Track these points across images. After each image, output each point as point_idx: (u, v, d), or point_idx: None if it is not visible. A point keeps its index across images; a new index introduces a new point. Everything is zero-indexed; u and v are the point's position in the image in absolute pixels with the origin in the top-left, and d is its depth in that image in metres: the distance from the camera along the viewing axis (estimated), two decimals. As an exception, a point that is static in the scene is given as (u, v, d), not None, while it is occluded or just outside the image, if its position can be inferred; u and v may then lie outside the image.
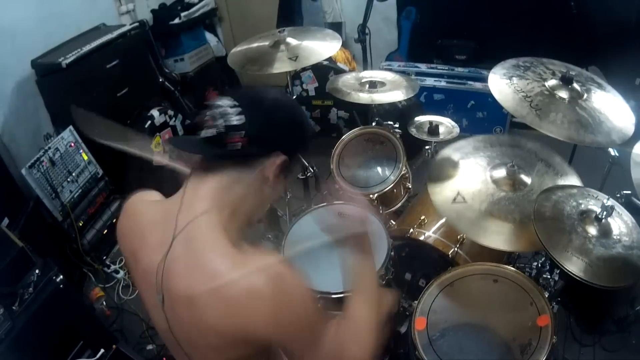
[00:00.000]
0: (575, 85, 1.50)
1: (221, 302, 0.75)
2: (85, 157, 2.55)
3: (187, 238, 0.80)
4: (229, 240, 0.80)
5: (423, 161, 2.15)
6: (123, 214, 0.95)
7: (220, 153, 0.83)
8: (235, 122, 0.81)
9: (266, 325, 0.76)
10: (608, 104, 1.50)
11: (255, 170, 0.85)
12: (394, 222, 1.93)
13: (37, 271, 1.65)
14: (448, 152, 1.71)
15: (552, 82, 1.52)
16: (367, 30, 2.63)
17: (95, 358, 1.75)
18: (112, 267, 2.56)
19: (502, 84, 1.52)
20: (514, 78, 1.54)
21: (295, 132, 0.90)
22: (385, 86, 2.13)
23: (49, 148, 2.34)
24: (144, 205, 0.94)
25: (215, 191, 0.83)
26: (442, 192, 1.55)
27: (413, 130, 2.13)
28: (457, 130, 2.10)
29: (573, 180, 1.56)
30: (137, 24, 3.01)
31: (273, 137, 0.85)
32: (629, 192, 1.54)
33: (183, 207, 0.83)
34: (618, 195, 1.55)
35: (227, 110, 0.82)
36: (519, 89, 1.49)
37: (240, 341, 0.78)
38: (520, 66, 1.60)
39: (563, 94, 1.48)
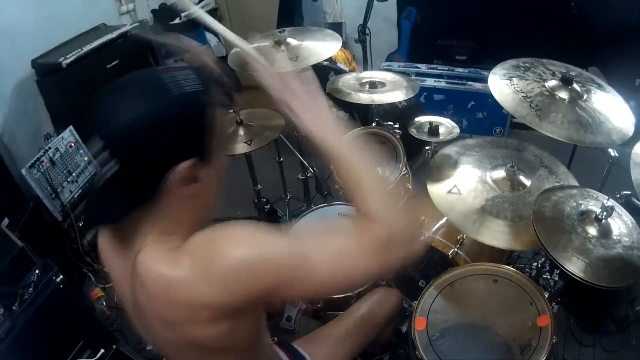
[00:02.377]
0: (575, 86, 1.50)
1: (181, 306, 0.75)
2: (85, 158, 2.55)
3: (139, 274, 0.79)
4: (169, 254, 0.77)
5: (423, 161, 2.15)
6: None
7: (119, 211, 0.76)
8: (110, 174, 0.72)
9: (222, 296, 0.73)
10: (608, 105, 1.50)
11: (164, 195, 0.76)
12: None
13: (37, 271, 1.65)
14: (450, 149, 1.73)
15: (552, 83, 1.52)
16: (367, 31, 2.63)
17: (96, 358, 1.75)
18: (112, 267, 2.56)
19: (502, 85, 1.52)
20: (514, 79, 1.54)
21: (176, 137, 0.74)
22: (386, 86, 2.13)
23: (49, 148, 2.34)
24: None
25: (144, 230, 0.79)
26: (439, 184, 1.58)
27: (413, 131, 2.12)
28: (457, 130, 2.10)
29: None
30: (137, 24, 3.02)
31: (154, 160, 0.73)
32: (629, 192, 1.54)
33: (123, 253, 0.83)
34: (618, 195, 1.55)
35: (101, 160, 0.72)
36: (519, 90, 1.49)
37: (222, 329, 0.78)
38: (520, 67, 1.60)
39: (563, 94, 1.49)
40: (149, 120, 0.72)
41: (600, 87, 1.57)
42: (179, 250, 0.77)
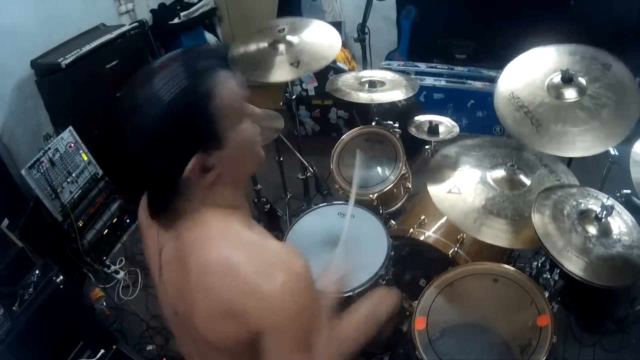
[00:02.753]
0: (580, 80, 1.47)
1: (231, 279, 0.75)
2: (85, 158, 2.55)
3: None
4: (228, 207, 0.81)
5: (423, 161, 2.15)
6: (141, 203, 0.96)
7: (156, 208, 0.83)
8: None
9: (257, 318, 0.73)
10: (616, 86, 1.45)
11: (190, 188, 0.78)
12: (393, 222, 1.92)
13: (37, 271, 1.65)
14: (450, 149, 1.72)
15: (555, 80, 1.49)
16: (366, 30, 2.62)
17: (96, 358, 1.76)
18: (112, 267, 2.57)
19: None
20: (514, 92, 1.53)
21: (182, 134, 0.73)
22: (385, 86, 2.13)
23: (49, 148, 2.34)
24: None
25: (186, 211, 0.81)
26: (439, 184, 1.58)
27: (413, 130, 2.12)
28: (456, 129, 2.10)
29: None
30: (136, 24, 3.01)
31: (160, 174, 0.77)
32: (629, 191, 1.54)
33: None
34: (618, 194, 1.55)
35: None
36: (521, 104, 1.49)
37: (230, 330, 0.77)
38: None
39: (569, 93, 1.46)
40: (148, 139, 0.72)
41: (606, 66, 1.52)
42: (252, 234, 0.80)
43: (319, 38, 2.03)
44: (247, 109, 0.81)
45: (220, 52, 0.81)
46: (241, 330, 0.74)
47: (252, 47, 2.03)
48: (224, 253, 0.76)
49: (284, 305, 0.73)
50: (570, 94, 1.45)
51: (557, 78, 1.48)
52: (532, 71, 1.55)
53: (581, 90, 1.45)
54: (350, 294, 1.45)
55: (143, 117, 0.72)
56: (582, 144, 1.36)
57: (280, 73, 1.91)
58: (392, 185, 1.93)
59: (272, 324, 0.73)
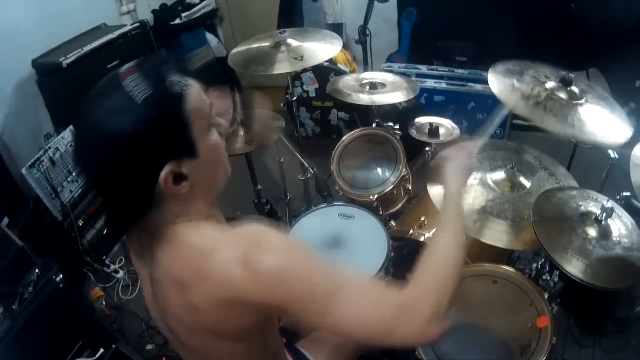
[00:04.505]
0: (574, 88, 1.49)
1: (206, 281, 0.75)
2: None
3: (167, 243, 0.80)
4: (207, 225, 0.80)
5: (423, 162, 2.15)
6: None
7: (124, 226, 0.82)
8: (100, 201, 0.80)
9: (253, 293, 0.73)
10: (603, 109, 1.48)
11: (162, 199, 0.77)
12: (394, 223, 1.93)
13: (36, 271, 1.65)
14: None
15: (551, 84, 1.51)
16: (367, 32, 2.63)
17: (95, 358, 1.75)
18: (112, 266, 2.56)
19: (504, 85, 1.50)
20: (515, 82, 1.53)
21: (156, 138, 0.71)
22: (386, 87, 2.13)
23: (49, 148, 2.34)
24: None
25: (163, 223, 0.80)
26: (440, 185, 1.57)
27: (413, 132, 2.13)
28: (457, 131, 2.10)
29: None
30: (137, 24, 3.01)
31: (131, 185, 0.74)
32: (629, 193, 1.54)
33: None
34: (618, 196, 1.55)
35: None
36: (521, 91, 1.48)
37: (236, 312, 0.77)
38: (513, 71, 1.58)
39: (562, 94, 1.48)
40: (120, 147, 0.69)
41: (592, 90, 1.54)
42: (224, 229, 0.80)
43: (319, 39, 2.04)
44: (214, 119, 0.81)
45: (178, 60, 0.80)
46: (246, 313, 0.76)
47: (254, 45, 2.06)
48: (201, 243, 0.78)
49: (279, 275, 0.72)
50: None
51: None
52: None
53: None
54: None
55: (114, 124, 0.69)
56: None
57: (284, 66, 1.92)
58: (392, 186, 1.93)
59: (287, 296, 0.73)
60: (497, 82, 1.46)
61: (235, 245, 0.75)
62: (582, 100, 1.45)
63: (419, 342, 0.79)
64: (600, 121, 1.41)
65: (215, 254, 0.75)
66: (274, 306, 0.77)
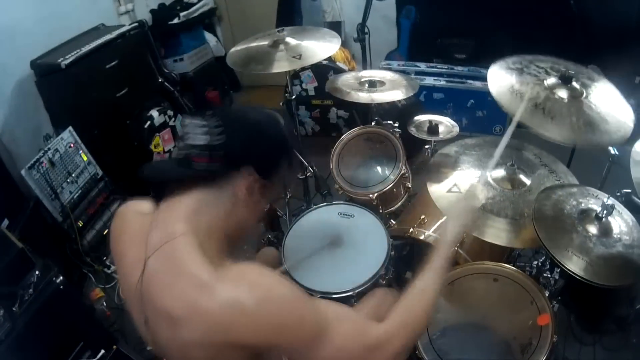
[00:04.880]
0: (575, 84, 1.49)
1: (201, 319, 0.76)
2: (85, 158, 2.55)
3: (165, 258, 0.80)
4: (207, 259, 0.80)
5: (423, 160, 2.15)
6: (115, 219, 0.99)
7: (184, 173, 0.85)
8: (199, 142, 0.84)
9: (251, 335, 0.76)
10: (608, 101, 1.48)
11: (225, 189, 0.86)
12: (393, 222, 1.92)
13: (37, 272, 1.65)
14: (450, 149, 1.72)
15: (550, 81, 1.51)
16: (366, 30, 2.62)
17: (96, 359, 1.75)
18: (112, 267, 2.56)
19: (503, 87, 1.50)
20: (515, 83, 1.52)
21: (270, 153, 0.90)
22: (385, 85, 2.13)
23: (49, 149, 2.34)
24: (131, 217, 0.96)
25: (188, 212, 0.84)
26: (439, 183, 1.59)
27: (413, 130, 2.12)
28: (456, 129, 2.10)
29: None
30: (136, 24, 3.01)
31: (241, 155, 0.86)
32: (629, 190, 1.54)
33: (158, 227, 0.85)
34: (618, 194, 1.54)
35: (195, 129, 0.85)
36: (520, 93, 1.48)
37: (226, 353, 0.78)
38: (512, 68, 1.58)
39: (562, 93, 1.47)
40: (259, 128, 0.89)
41: (596, 81, 1.54)
42: (221, 268, 0.80)
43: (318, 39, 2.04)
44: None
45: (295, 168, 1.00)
46: (244, 354, 0.79)
47: (253, 44, 2.05)
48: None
49: (268, 316, 0.76)
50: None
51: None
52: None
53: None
54: (351, 293, 1.45)
55: (266, 121, 0.92)
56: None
57: (283, 64, 1.92)
58: (392, 184, 1.93)
59: (279, 337, 0.78)
60: (497, 85, 1.46)
61: (231, 286, 0.77)
62: (583, 97, 1.45)
63: None
64: (603, 117, 1.40)
65: (211, 291, 0.76)
66: (264, 347, 0.81)
